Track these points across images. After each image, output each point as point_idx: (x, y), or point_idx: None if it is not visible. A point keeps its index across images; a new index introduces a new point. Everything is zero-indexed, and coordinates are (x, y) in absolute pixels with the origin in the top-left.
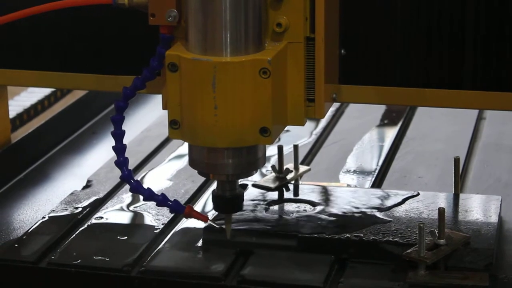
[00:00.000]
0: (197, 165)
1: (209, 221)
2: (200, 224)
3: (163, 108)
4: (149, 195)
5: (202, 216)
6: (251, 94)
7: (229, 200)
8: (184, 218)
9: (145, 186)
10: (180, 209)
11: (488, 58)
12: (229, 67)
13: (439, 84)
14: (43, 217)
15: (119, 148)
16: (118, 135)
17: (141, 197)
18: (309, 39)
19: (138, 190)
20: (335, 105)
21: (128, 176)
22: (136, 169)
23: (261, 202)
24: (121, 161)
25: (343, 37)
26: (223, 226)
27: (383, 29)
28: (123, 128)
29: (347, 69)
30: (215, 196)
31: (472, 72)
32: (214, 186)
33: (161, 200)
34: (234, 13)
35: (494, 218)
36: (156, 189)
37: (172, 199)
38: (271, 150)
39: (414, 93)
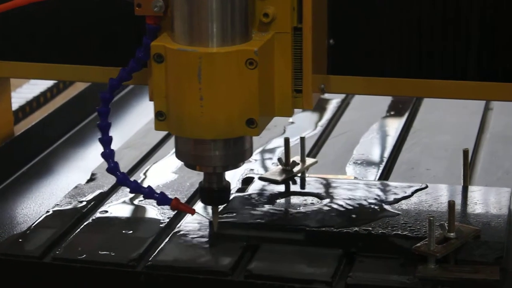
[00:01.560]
0: (183, 157)
1: (196, 213)
2: (206, 218)
3: (150, 99)
4: (136, 187)
5: (189, 209)
6: (238, 85)
7: (215, 192)
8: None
9: (151, 179)
10: (167, 201)
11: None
12: (215, 58)
13: (428, 74)
14: (47, 211)
15: (105, 140)
16: (104, 127)
17: None
18: (296, 29)
19: (124, 182)
20: (340, 96)
21: (114, 168)
22: (140, 162)
23: (268, 195)
24: (107, 153)
25: (332, 27)
26: (211, 219)
27: (372, 18)
28: (131, 119)
29: (336, 60)
30: (202, 188)
31: (461, 62)
32: None
33: (147, 192)
34: (221, 3)
35: (504, 211)
36: (161, 182)
37: (174, 192)
38: (277, 142)
39: (403, 83)
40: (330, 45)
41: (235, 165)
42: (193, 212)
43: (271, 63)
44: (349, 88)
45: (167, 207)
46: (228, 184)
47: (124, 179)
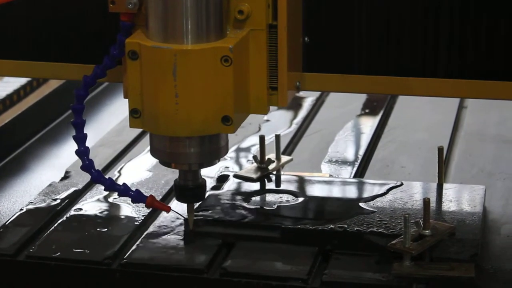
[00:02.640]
0: (158, 155)
1: (171, 211)
2: (181, 216)
3: (124, 97)
4: (110, 184)
5: (164, 206)
6: (213, 82)
7: (191, 190)
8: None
9: (125, 177)
10: (142, 199)
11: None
12: (190, 55)
13: (402, 72)
14: (21, 209)
15: (80, 138)
16: (78, 124)
17: None
18: (271, 26)
19: (99, 180)
20: (315, 94)
21: (89, 166)
22: (115, 160)
23: (243, 193)
24: (81, 150)
25: (307, 25)
26: (186, 216)
27: (346, 16)
28: (105, 117)
29: (311, 57)
30: (177, 186)
31: (429, 60)
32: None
33: (122, 190)
34: (195, 0)
35: (478, 208)
36: (136, 180)
37: (149, 190)
38: (253, 140)
39: (378, 80)
40: (305, 43)
41: (210, 162)
42: (168, 209)
43: (246, 60)
44: (324, 85)
45: (142, 205)
46: (204, 181)
47: (99, 177)
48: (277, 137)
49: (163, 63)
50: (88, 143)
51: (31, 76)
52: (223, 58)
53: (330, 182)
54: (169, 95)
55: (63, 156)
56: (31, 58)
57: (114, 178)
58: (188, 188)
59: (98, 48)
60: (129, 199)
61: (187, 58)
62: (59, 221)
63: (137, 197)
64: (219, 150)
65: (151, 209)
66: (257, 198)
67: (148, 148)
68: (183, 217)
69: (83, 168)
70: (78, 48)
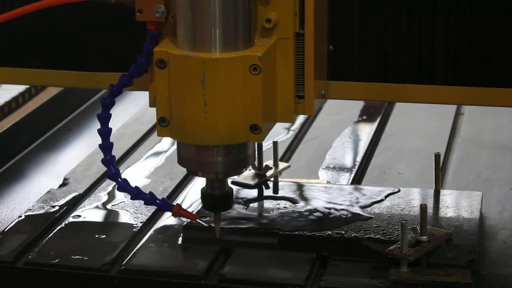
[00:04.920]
0: (185, 163)
1: (198, 220)
2: (179, 222)
3: (150, 105)
4: (137, 193)
5: (190, 215)
6: (241, 90)
7: (218, 199)
8: (162, 216)
9: None
10: (169, 208)
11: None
12: (219, 64)
13: (428, 79)
14: (20, 216)
15: (106, 146)
16: (105, 132)
17: (118, 195)
18: (298, 35)
19: (125, 188)
20: None
21: (115, 174)
22: None
23: (241, 200)
24: (108, 159)
25: (331, 33)
26: (212, 225)
27: (371, 24)
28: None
29: (336, 65)
30: (204, 194)
31: (463, 68)
32: (192, 183)
33: (148, 198)
34: (224, 9)
35: (475, 214)
36: None
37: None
38: None
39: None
40: (330, 51)
41: (237, 171)
42: (195, 218)
43: (274, 68)
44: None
45: (140, 211)
46: (231, 190)
47: (125, 185)
48: (275, 143)
49: (192, 72)
50: (85, 150)
51: (29, 83)
52: (252, 66)
53: (327, 188)
54: (198, 104)
55: (62, 163)
56: (29, 65)
57: (112, 185)
58: (215, 197)
59: (97, 55)
60: (127, 206)
61: (216, 67)
62: (57, 228)
63: (163, 205)
64: (247, 159)
65: (148, 216)
66: (255, 204)
67: (146, 155)
68: (207, 225)
69: (109, 176)
70: (76, 55)
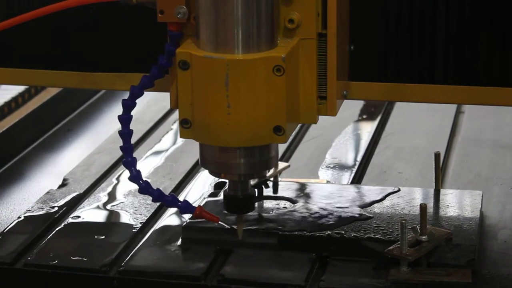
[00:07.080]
0: (208, 165)
1: (219, 222)
2: (179, 223)
3: (172, 107)
4: (158, 196)
5: (213, 217)
6: (265, 92)
7: (241, 200)
8: (161, 217)
9: (123, 185)
10: (191, 210)
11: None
12: (243, 65)
13: (445, 80)
14: (19, 217)
15: (127, 148)
16: (126, 134)
17: (118, 195)
18: (321, 35)
19: (147, 191)
20: None
21: (137, 176)
22: (112, 167)
23: None
24: (129, 161)
25: (352, 33)
26: (234, 227)
27: (391, 25)
28: (102, 125)
29: (356, 66)
30: (227, 196)
31: (472, 68)
32: (192, 183)
33: (170, 201)
34: (246, 9)
35: (475, 214)
36: (134, 187)
37: (147, 197)
38: None
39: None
40: (351, 51)
41: (260, 173)
42: (217, 220)
43: (296, 69)
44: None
45: (140, 212)
46: (253, 191)
47: (147, 188)
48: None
49: (215, 73)
50: (85, 151)
51: (28, 84)
52: (276, 67)
53: (327, 188)
54: (221, 105)
55: (61, 164)
56: (29, 66)
57: (112, 185)
58: (238, 199)
59: (96, 56)
60: (126, 207)
61: (240, 68)
62: (56, 229)
63: (185, 208)
64: (270, 160)
65: (148, 216)
66: (255, 204)
67: (146, 155)
68: (228, 227)
69: (131, 178)
70: (76, 56)
